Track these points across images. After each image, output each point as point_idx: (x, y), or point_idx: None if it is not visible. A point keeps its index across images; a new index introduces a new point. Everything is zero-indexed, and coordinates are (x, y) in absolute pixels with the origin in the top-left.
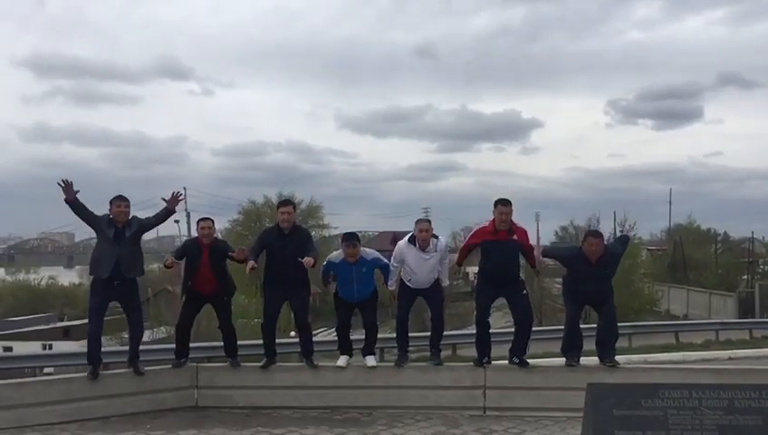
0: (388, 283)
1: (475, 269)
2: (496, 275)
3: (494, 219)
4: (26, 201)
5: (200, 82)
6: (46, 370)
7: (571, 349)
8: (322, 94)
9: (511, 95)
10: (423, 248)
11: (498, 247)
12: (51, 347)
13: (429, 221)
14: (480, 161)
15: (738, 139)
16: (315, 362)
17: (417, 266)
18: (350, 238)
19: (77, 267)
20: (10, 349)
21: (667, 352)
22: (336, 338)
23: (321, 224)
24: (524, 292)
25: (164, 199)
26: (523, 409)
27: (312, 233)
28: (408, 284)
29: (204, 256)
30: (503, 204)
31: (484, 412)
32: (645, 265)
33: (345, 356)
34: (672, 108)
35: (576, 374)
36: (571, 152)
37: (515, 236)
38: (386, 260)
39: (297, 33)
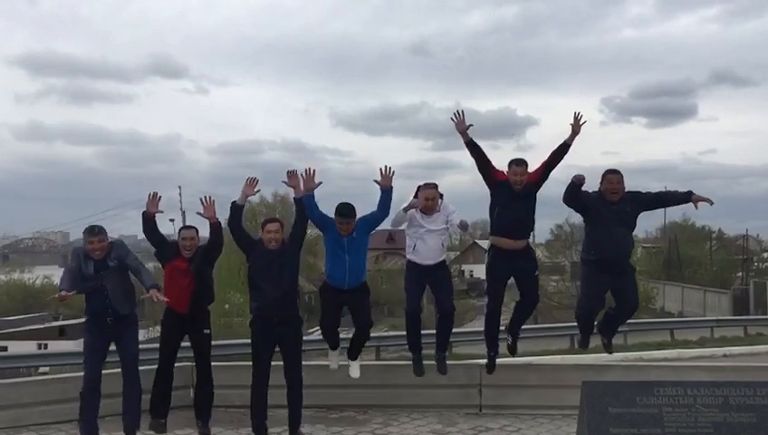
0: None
1: (471, 268)
2: (510, 227)
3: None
4: (20, 200)
5: (194, 80)
6: (41, 369)
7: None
8: (316, 92)
9: (505, 93)
10: (428, 214)
11: (512, 198)
12: (46, 347)
13: (436, 186)
14: None
15: (732, 136)
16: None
17: (421, 232)
18: (347, 214)
19: None
20: (5, 349)
21: (663, 349)
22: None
23: None
24: (537, 273)
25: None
26: (519, 407)
27: (308, 232)
28: (411, 259)
29: (181, 260)
30: (517, 164)
31: (480, 410)
32: (640, 263)
33: (336, 351)
34: (666, 105)
35: (571, 372)
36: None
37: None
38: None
39: (291, 30)
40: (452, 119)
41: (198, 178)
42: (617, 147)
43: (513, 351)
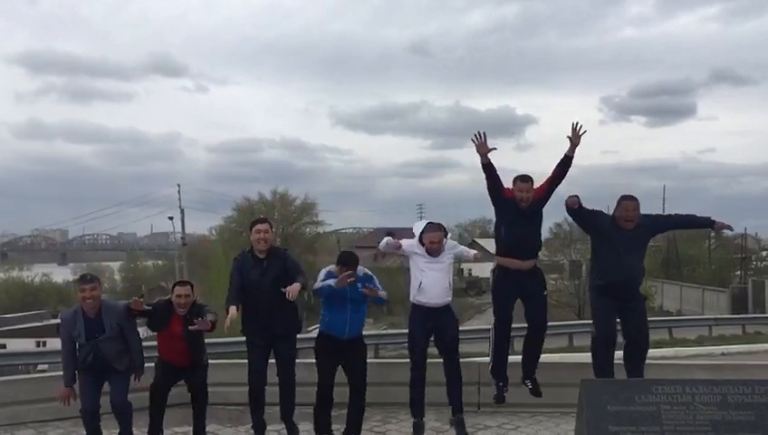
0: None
1: (470, 266)
2: (517, 246)
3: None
4: (20, 198)
5: (194, 79)
6: (40, 367)
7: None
8: (316, 91)
9: (505, 92)
10: (433, 255)
11: (518, 215)
12: (44, 344)
13: (441, 227)
14: (474, 158)
15: (731, 135)
16: (297, 426)
17: (426, 267)
18: (351, 263)
19: (70, 265)
20: (4, 346)
21: (661, 347)
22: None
23: (316, 220)
24: (545, 293)
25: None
26: (518, 405)
27: (307, 230)
28: (417, 300)
29: (175, 325)
30: (522, 180)
31: (479, 408)
32: None
33: None
34: (665, 104)
35: (570, 370)
36: (564, 149)
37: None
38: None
39: (291, 30)
40: (473, 140)
41: (197, 176)
42: (616, 146)
43: (538, 394)
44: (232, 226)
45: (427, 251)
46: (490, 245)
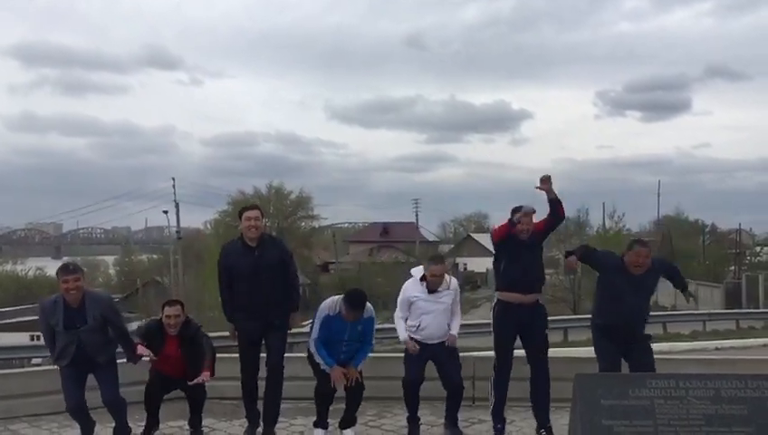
0: (399, 334)
1: (466, 260)
2: (519, 278)
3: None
4: (13, 191)
5: (189, 72)
6: (34, 360)
7: None
8: (311, 84)
9: (500, 86)
10: (434, 290)
11: (518, 246)
12: (38, 338)
13: (443, 261)
14: (470, 152)
15: (726, 130)
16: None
17: (426, 308)
18: (357, 304)
19: (65, 258)
20: None
21: (655, 342)
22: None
23: (311, 215)
24: (546, 330)
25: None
26: (513, 399)
27: (302, 224)
28: (416, 337)
29: (170, 346)
30: (523, 214)
31: (473, 403)
32: None
33: (321, 431)
34: (660, 99)
35: (564, 365)
36: (559, 143)
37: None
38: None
39: (286, 22)
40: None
41: (192, 169)
42: (611, 141)
43: None
44: (227, 220)
45: (428, 287)
46: (484, 240)
